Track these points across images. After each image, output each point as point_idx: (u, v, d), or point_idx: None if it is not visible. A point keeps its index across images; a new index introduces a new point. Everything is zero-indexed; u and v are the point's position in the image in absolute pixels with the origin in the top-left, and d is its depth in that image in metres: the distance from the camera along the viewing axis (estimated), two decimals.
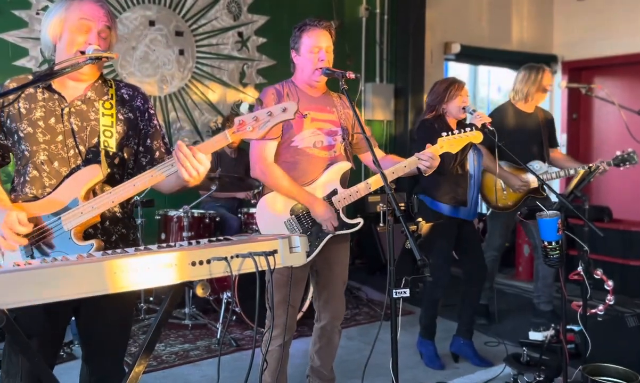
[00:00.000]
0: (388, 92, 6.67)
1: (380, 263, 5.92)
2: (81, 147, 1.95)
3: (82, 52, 1.88)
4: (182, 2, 5.46)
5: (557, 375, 3.14)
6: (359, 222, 2.75)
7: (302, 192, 2.67)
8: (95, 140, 1.95)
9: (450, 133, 2.75)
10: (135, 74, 5.26)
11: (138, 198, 4.45)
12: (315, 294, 2.96)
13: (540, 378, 3.13)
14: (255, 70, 5.91)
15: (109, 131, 1.96)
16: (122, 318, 2.09)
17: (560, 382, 3.02)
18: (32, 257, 1.87)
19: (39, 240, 1.88)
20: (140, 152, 2.08)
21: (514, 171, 4.18)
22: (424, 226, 3.42)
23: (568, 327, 3.40)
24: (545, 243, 2.75)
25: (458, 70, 7.59)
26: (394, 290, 2.09)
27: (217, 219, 4.65)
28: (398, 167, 2.70)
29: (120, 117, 2.01)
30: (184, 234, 4.25)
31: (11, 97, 1.92)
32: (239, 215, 4.76)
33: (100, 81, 2.03)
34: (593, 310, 3.02)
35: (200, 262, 1.56)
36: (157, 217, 4.63)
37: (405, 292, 2.09)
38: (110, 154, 1.96)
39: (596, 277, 2.91)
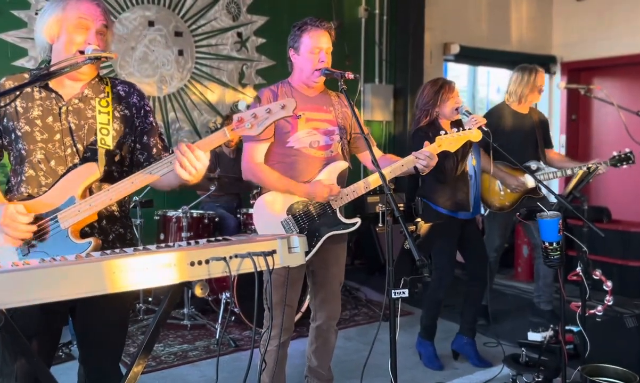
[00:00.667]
0: (387, 93, 6.67)
1: (379, 264, 5.91)
2: (79, 146, 1.94)
3: (82, 52, 1.88)
4: (182, 2, 5.46)
5: (556, 375, 3.14)
6: (357, 222, 2.75)
7: (291, 184, 2.68)
8: (93, 138, 1.95)
9: (448, 132, 2.75)
10: (135, 74, 5.25)
11: (137, 198, 4.45)
12: (311, 294, 2.96)
13: (539, 379, 3.13)
14: (254, 71, 5.91)
15: (106, 129, 1.96)
16: (120, 318, 2.08)
17: (559, 382, 3.02)
18: (27, 255, 1.86)
19: (35, 239, 1.87)
20: (137, 149, 2.07)
21: (511, 171, 4.18)
22: (423, 226, 3.41)
23: (567, 327, 3.40)
24: (546, 244, 2.75)
25: (457, 70, 7.59)
26: (393, 291, 2.09)
27: (216, 219, 4.65)
28: (395, 166, 2.69)
29: (117, 114, 2.00)
30: (183, 234, 4.25)
31: (9, 97, 1.92)
32: (238, 216, 4.76)
33: (96, 79, 2.02)
34: (592, 311, 3.03)
35: (199, 262, 1.56)
36: (156, 217, 4.62)
37: (404, 293, 2.09)
38: (108, 151, 1.96)
39: (595, 277, 2.91)
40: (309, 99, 2.76)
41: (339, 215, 2.73)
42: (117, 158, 2.00)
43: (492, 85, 8.16)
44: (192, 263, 1.55)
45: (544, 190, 3.90)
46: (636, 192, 7.10)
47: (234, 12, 5.77)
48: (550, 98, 7.97)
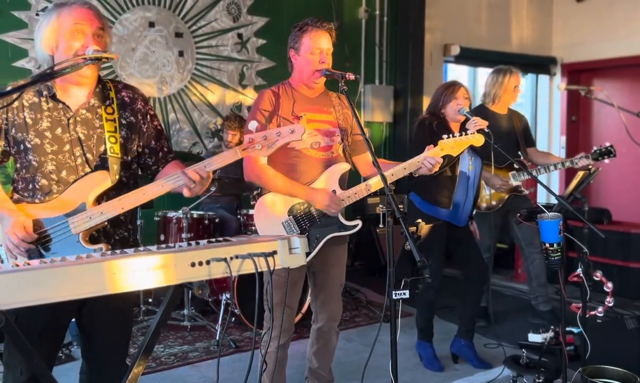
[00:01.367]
0: (387, 94, 6.67)
1: (379, 265, 5.91)
2: (89, 155, 1.97)
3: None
4: (182, 3, 5.46)
5: (557, 377, 3.14)
6: (357, 224, 2.75)
7: (295, 186, 2.67)
8: (102, 147, 1.98)
9: (451, 135, 2.75)
10: (135, 75, 5.26)
11: None
12: (312, 295, 2.96)
13: (540, 380, 3.12)
14: (254, 72, 5.92)
15: (114, 137, 1.99)
16: (124, 318, 2.10)
17: None
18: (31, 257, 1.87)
19: (44, 243, 1.89)
20: (146, 154, 2.12)
21: (495, 171, 4.19)
22: (424, 228, 3.41)
23: (567, 328, 3.40)
24: (547, 245, 2.75)
25: (457, 72, 7.60)
26: (393, 292, 2.08)
27: (217, 220, 4.64)
28: (397, 169, 2.69)
29: (123, 121, 2.04)
30: (183, 235, 4.24)
31: (13, 97, 1.92)
32: (238, 217, 4.76)
33: (100, 86, 2.04)
34: (592, 312, 3.02)
35: (200, 263, 1.56)
36: (157, 218, 4.63)
37: (404, 294, 2.09)
38: (117, 159, 1.99)
39: (595, 278, 2.90)
40: (310, 100, 2.76)
41: (340, 216, 2.72)
42: (125, 164, 2.03)
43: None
44: (193, 264, 1.55)
45: (543, 190, 3.91)
46: (636, 193, 7.10)
47: (235, 13, 5.77)
48: (550, 99, 7.98)
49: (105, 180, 1.95)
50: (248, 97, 5.85)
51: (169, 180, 1.94)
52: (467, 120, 3.45)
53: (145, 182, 2.01)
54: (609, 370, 2.85)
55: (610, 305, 2.92)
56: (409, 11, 6.55)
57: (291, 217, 2.70)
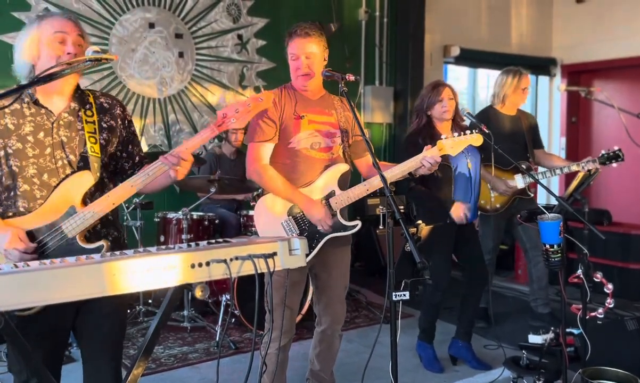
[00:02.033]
0: (387, 95, 6.67)
1: (379, 266, 5.91)
2: (71, 157, 2.00)
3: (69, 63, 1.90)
4: (182, 4, 5.46)
5: (557, 378, 3.13)
6: (357, 224, 2.74)
7: (295, 193, 2.68)
8: (84, 147, 2.02)
9: (450, 135, 2.75)
10: (135, 76, 5.25)
11: (137, 200, 4.45)
12: (315, 298, 2.95)
13: (540, 382, 3.12)
14: (254, 73, 5.91)
15: (94, 137, 2.03)
16: (119, 319, 2.10)
17: None
18: None
19: (42, 252, 1.90)
20: (123, 158, 2.17)
21: (500, 174, 4.19)
22: (424, 229, 3.41)
23: (568, 330, 3.40)
24: (547, 246, 2.74)
25: (457, 73, 7.60)
26: (393, 293, 2.08)
27: (217, 221, 4.64)
28: (396, 170, 2.68)
29: (104, 125, 2.08)
30: (183, 236, 4.24)
31: (5, 103, 1.94)
32: (239, 218, 4.75)
33: (79, 91, 2.08)
34: (593, 313, 3.02)
35: (200, 264, 1.56)
36: (156, 220, 4.62)
37: (405, 295, 2.09)
38: (97, 158, 2.02)
39: (596, 280, 2.90)
40: (311, 101, 2.77)
41: (339, 217, 2.72)
42: (104, 165, 2.06)
43: (492, 88, 8.15)
44: (193, 266, 1.55)
45: (545, 192, 3.90)
46: (636, 194, 7.09)
47: (235, 14, 5.77)
48: (550, 100, 7.97)
49: (88, 180, 1.98)
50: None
51: (153, 166, 1.99)
52: (462, 121, 3.47)
53: None
54: (609, 372, 2.85)
55: (611, 306, 2.92)
56: (409, 12, 6.55)
57: (290, 217, 2.70)
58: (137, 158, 2.19)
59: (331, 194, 2.72)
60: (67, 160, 1.99)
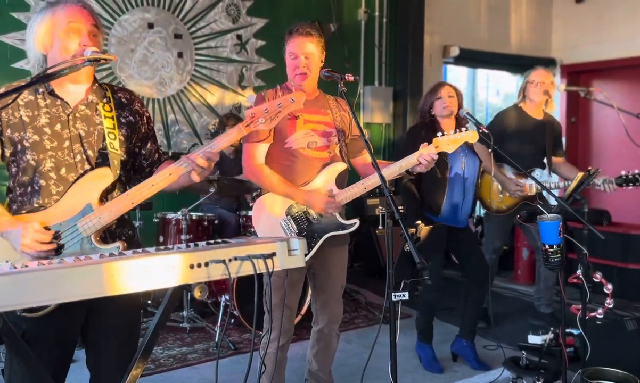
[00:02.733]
0: (387, 95, 6.67)
1: (379, 267, 5.91)
2: (89, 152, 1.92)
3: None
4: (181, 4, 5.46)
5: (556, 378, 3.13)
6: (355, 223, 2.74)
7: (292, 188, 2.68)
8: (103, 143, 1.94)
9: (445, 133, 2.74)
10: (134, 77, 5.25)
11: None
12: (312, 297, 2.96)
13: (539, 382, 3.12)
14: (254, 73, 5.91)
15: (113, 133, 1.96)
16: (129, 330, 2.07)
17: None
18: None
19: (57, 251, 1.82)
20: (142, 155, 2.09)
21: (516, 176, 4.15)
22: (423, 229, 3.41)
23: (567, 330, 3.39)
24: (547, 246, 2.74)
25: (457, 73, 7.60)
26: (393, 293, 2.08)
27: (216, 222, 4.64)
28: (394, 168, 2.68)
29: (122, 120, 2.01)
30: (182, 237, 4.23)
31: (8, 101, 1.87)
32: (238, 218, 4.75)
33: (97, 84, 2.02)
34: (592, 314, 3.02)
35: (199, 265, 1.56)
36: (156, 220, 4.62)
37: (404, 295, 2.09)
38: (117, 155, 1.96)
39: (595, 280, 2.90)
40: (307, 101, 2.76)
41: (337, 216, 2.72)
42: (123, 162, 1.99)
43: (492, 88, 8.17)
44: (192, 266, 1.55)
45: (544, 193, 3.88)
46: (636, 194, 7.08)
47: (234, 15, 5.77)
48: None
49: (107, 177, 1.91)
50: (247, 98, 5.85)
51: (176, 165, 1.89)
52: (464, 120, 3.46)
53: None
54: (609, 372, 2.85)
55: (610, 306, 2.91)
56: (408, 12, 6.55)
57: (289, 217, 2.70)
58: (156, 155, 2.11)
59: (329, 193, 2.72)
60: (85, 155, 1.91)
